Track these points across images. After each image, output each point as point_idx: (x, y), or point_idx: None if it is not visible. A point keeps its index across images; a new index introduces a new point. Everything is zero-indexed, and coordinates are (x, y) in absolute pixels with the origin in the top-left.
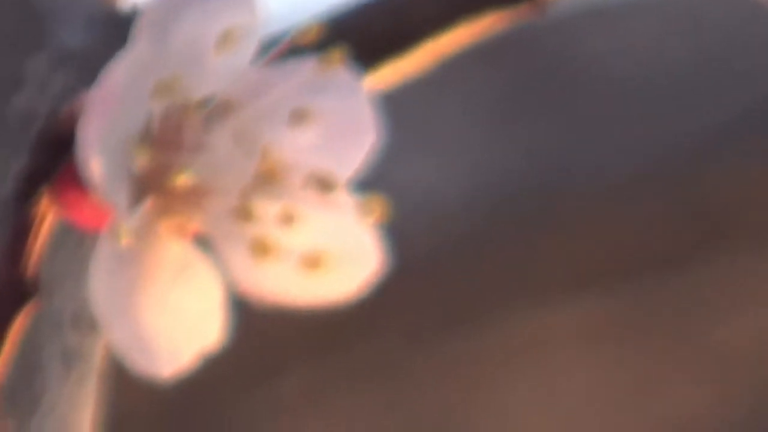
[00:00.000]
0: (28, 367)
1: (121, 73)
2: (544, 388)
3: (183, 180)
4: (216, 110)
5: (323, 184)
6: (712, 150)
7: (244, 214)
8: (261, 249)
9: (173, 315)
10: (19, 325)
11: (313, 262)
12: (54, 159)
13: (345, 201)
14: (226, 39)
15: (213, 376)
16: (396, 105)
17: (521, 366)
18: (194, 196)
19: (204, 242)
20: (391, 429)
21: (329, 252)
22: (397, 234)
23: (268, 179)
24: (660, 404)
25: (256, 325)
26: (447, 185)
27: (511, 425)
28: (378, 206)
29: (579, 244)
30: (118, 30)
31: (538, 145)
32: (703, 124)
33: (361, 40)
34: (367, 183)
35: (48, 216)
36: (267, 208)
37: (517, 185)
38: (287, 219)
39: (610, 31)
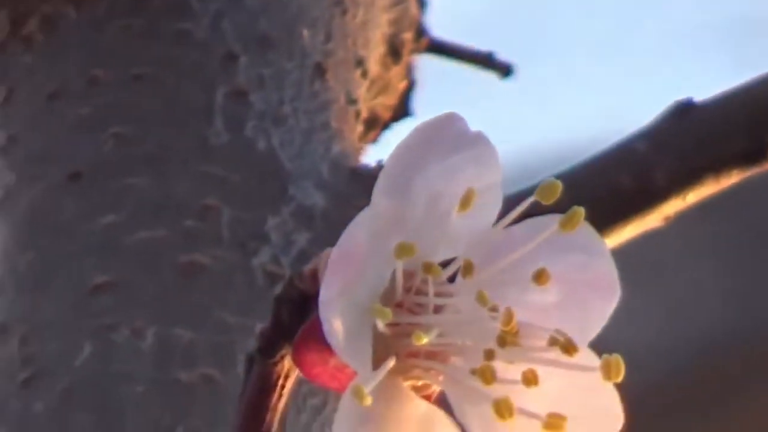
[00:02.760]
0: None
1: (361, 232)
2: None
3: (426, 341)
4: (458, 271)
5: (566, 347)
6: None
7: (487, 375)
8: (504, 410)
9: None
10: None
11: (556, 424)
12: (296, 317)
13: (587, 362)
14: (467, 199)
15: None
16: (626, 258)
17: None
18: (437, 357)
19: (445, 401)
20: None
21: (572, 413)
22: (630, 391)
23: (510, 340)
24: None
25: None
26: (676, 341)
27: None
28: (619, 366)
29: None
30: (359, 187)
31: None
32: None
33: (601, 198)
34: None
35: (290, 374)
36: (510, 369)
37: (749, 338)
38: (530, 381)
39: None
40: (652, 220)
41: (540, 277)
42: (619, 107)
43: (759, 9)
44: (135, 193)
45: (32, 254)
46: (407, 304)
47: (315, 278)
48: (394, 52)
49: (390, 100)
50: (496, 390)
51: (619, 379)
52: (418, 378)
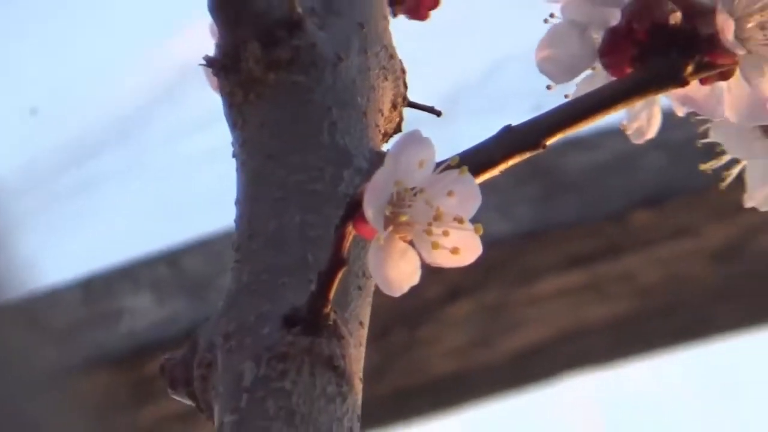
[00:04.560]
0: (345, 291)
1: (380, 176)
2: None
3: (404, 219)
4: (418, 191)
5: (460, 220)
6: None
7: (430, 232)
8: (436, 246)
9: (400, 271)
10: (341, 276)
11: (455, 251)
12: (354, 209)
13: (468, 226)
14: (422, 163)
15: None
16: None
17: None
18: (409, 225)
19: (411, 243)
20: None
21: (462, 246)
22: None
23: (437, 218)
24: None
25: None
26: (500, 225)
27: None
28: (480, 229)
29: None
30: (381, 159)
31: None
32: None
33: (476, 165)
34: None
35: (351, 232)
36: (437, 230)
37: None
38: (445, 234)
39: None
40: (501, 168)
41: (450, 194)
42: None
43: None
44: (288, 164)
45: (255, 188)
46: (398, 204)
47: (362, 194)
48: (394, 106)
49: (392, 126)
50: (432, 238)
51: (480, 233)
52: (403, 234)
